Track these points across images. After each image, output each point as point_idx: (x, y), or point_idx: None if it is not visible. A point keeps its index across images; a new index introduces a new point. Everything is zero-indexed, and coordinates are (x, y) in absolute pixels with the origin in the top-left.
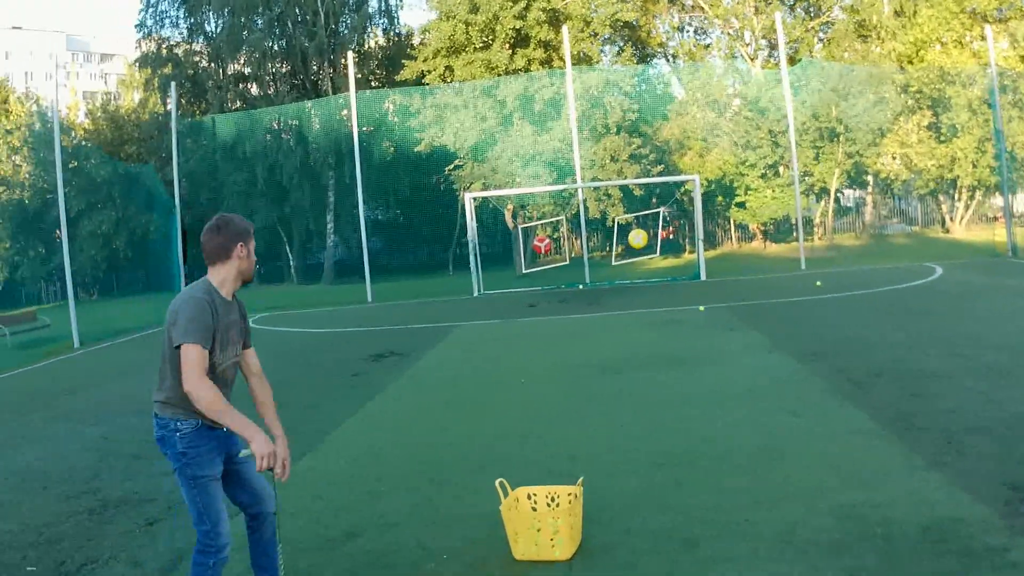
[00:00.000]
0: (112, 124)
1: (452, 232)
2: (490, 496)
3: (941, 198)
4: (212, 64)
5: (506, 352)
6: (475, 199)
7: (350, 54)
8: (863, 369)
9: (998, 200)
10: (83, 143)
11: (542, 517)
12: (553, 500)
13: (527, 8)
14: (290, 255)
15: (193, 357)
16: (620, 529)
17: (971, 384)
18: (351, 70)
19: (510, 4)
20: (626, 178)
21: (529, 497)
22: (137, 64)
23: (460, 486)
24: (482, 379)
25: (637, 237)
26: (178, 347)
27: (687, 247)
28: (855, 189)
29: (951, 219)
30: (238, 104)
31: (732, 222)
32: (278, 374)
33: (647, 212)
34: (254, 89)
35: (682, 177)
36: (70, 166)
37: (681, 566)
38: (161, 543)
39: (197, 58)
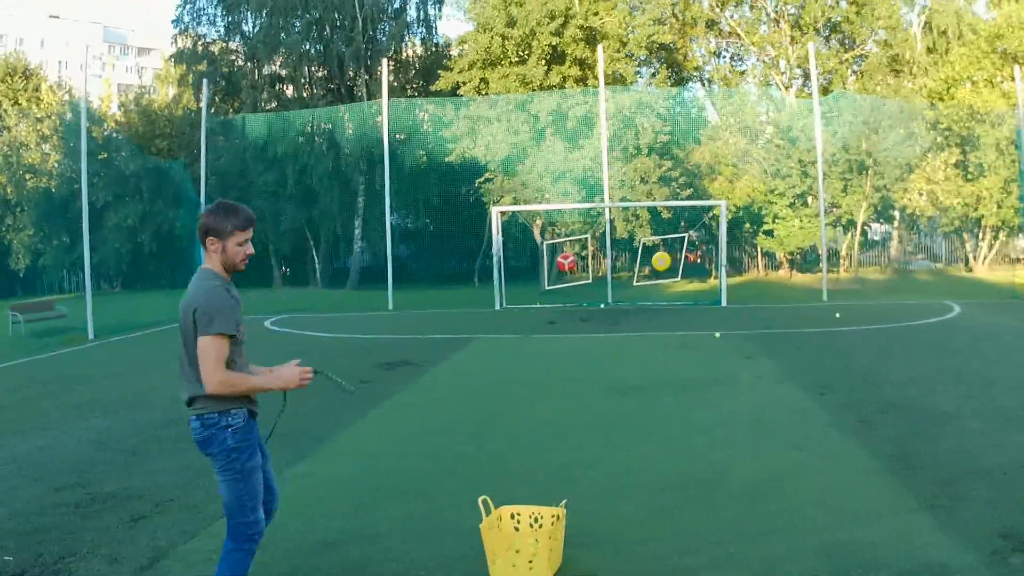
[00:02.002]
0: (144, 118)
1: (479, 244)
2: (479, 512)
3: (965, 236)
4: (248, 64)
5: (519, 368)
6: (502, 213)
7: (385, 61)
8: (871, 405)
9: (1022, 241)
10: (114, 135)
11: (523, 538)
12: (536, 521)
13: (564, 25)
14: (316, 258)
15: (219, 349)
16: (604, 554)
17: (977, 426)
18: (385, 77)
19: (547, 20)
20: (655, 200)
21: (513, 516)
22: (172, 60)
23: (452, 500)
24: (491, 394)
25: (660, 260)
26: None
27: (713, 272)
28: (882, 223)
29: (974, 258)
30: (272, 105)
31: (759, 249)
32: None
33: (674, 235)
34: (289, 91)
35: (709, 202)
36: (99, 157)
37: None
38: (143, 541)
39: (233, 57)
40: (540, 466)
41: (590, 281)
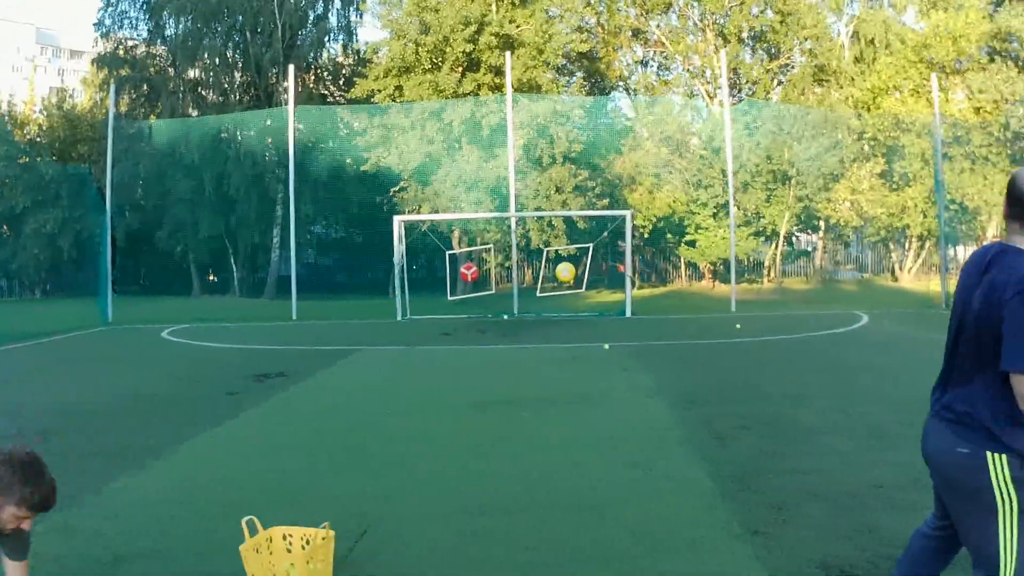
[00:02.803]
0: (66, 122)
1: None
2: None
3: (892, 246)
4: (170, 69)
5: (392, 382)
6: (404, 222)
7: (292, 67)
8: (733, 420)
9: (949, 250)
10: (36, 139)
11: (278, 561)
12: (308, 543)
13: (478, 32)
14: (234, 267)
15: None
16: None
17: (839, 444)
18: (292, 83)
19: (461, 27)
20: (570, 210)
21: (285, 538)
22: (95, 64)
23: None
24: (350, 410)
25: (564, 270)
26: None
27: (636, 282)
28: (809, 233)
29: (900, 268)
30: (193, 111)
31: (683, 260)
32: (155, 388)
33: (580, 246)
34: (211, 97)
35: (615, 212)
36: (20, 161)
37: None
38: None
39: (155, 62)
40: (366, 485)
41: (492, 292)
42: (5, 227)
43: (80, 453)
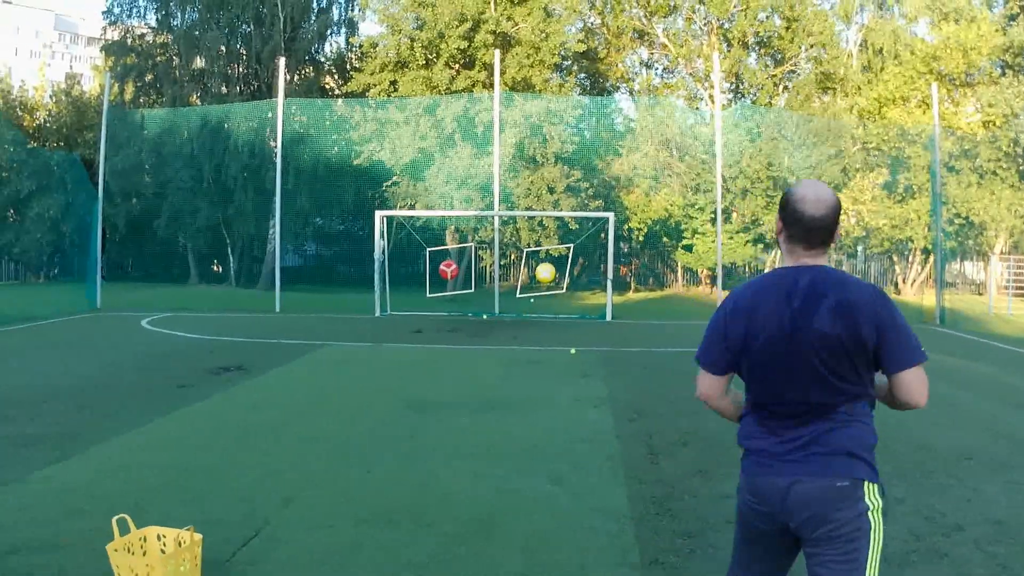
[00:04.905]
0: (74, 109)
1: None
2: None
3: (896, 258)
4: (176, 59)
5: (343, 380)
6: (388, 217)
7: (282, 60)
8: (672, 436)
9: (954, 265)
10: (45, 125)
11: (151, 562)
12: (182, 544)
13: (474, 29)
14: (231, 258)
15: None
16: None
17: None
18: (281, 75)
19: (456, 24)
20: (562, 210)
21: (159, 538)
22: (103, 51)
23: (157, 517)
24: (286, 408)
25: (544, 271)
26: None
27: (633, 285)
28: None
29: (903, 280)
30: (197, 101)
31: (680, 265)
32: (113, 376)
33: (562, 246)
34: (213, 87)
35: (596, 214)
36: (28, 146)
37: None
38: None
39: (160, 51)
40: (270, 487)
41: (472, 291)
42: (11, 211)
43: (20, 440)
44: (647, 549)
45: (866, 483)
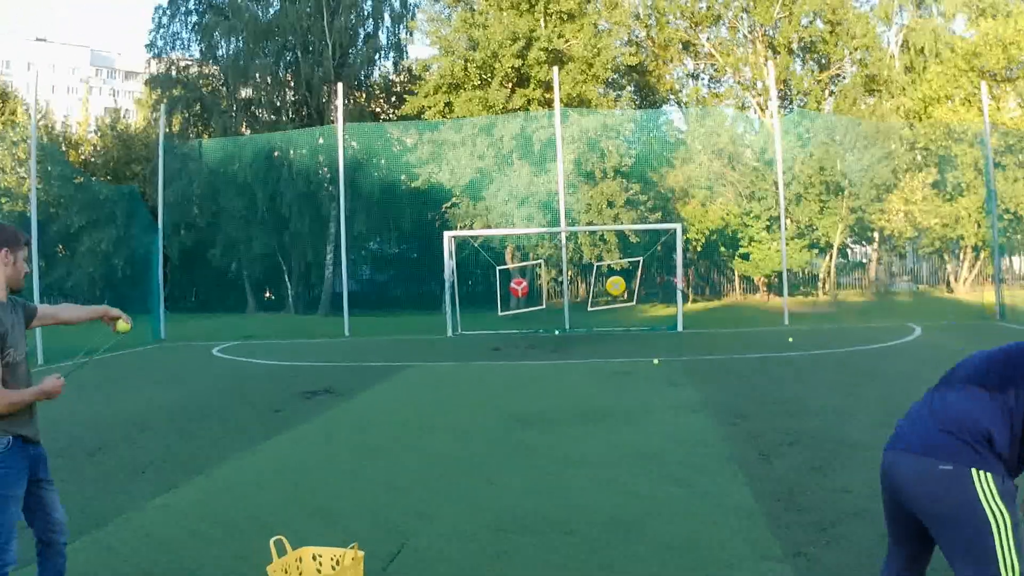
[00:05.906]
0: (120, 142)
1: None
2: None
3: (947, 257)
4: (223, 88)
5: (440, 398)
6: (455, 238)
7: (340, 85)
8: (779, 436)
9: (1003, 260)
10: (91, 160)
11: None
12: (338, 563)
13: (527, 48)
14: (288, 284)
15: None
16: None
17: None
18: (340, 101)
19: (509, 43)
20: (622, 223)
21: (315, 558)
22: (149, 85)
23: (292, 538)
24: (392, 427)
25: (614, 284)
26: None
27: (689, 295)
28: (863, 245)
29: (955, 279)
30: (246, 130)
31: (736, 273)
32: (202, 404)
33: (632, 259)
34: (263, 116)
35: (664, 225)
36: (75, 181)
37: None
38: None
39: (207, 82)
40: (401, 503)
41: (543, 307)
42: (60, 246)
43: (126, 468)
44: (786, 542)
45: None
